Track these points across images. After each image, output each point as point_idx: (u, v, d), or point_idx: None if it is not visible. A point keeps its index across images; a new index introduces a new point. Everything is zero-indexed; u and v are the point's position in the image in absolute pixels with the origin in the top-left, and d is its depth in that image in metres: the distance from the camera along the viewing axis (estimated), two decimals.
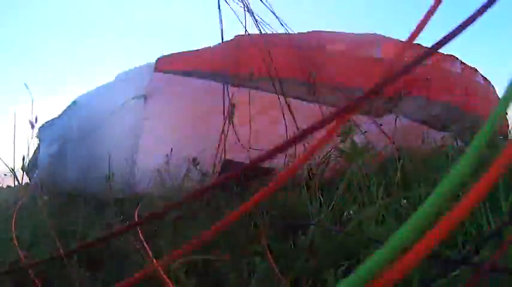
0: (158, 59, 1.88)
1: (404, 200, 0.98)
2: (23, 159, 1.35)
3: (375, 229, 0.77)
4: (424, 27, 0.34)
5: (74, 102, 2.06)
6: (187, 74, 1.85)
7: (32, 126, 1.57)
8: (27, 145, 1.48)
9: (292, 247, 0.88)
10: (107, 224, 1.09)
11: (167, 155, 1.63)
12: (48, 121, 2.10)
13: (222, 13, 1.67)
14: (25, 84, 1.43)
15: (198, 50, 1.94)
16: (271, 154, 0.32)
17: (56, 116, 2.11)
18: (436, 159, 1.43)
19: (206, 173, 1.61)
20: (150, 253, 0.74)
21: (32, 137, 1.53)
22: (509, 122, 2.24)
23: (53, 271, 0.80)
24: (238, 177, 1.29)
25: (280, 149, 0.29)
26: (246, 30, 1.78)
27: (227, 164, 1.68)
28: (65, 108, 2.10)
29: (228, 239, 0.94)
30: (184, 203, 1.28)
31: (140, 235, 0.90)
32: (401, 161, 1.17)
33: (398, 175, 1.08)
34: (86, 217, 1.07)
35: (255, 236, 0.93)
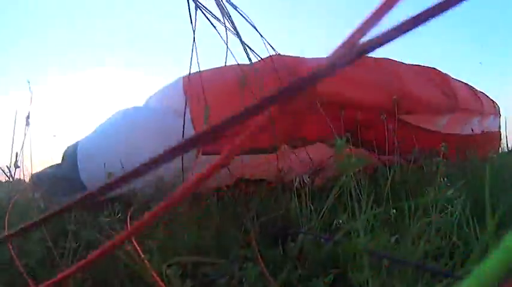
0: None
1: (394, 210, 1.00)
2: (16, 156, 1.35)
3: (364, 239, 0.79)
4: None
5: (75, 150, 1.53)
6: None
7: (27, 123, 1.57)
8: (21, 141, 1.48)
9: (282, 253, 0.90)
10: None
11: None
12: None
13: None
14: (28, 81, 1.43)
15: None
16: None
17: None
18: (426, 168, 1.46)
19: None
20: (140, 253, 0.75)
21: (25, 134, 1.53)
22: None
23: (45, 270, 0.81)
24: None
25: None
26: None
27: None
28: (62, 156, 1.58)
29: (219, 243, 0.95)
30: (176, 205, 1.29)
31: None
32: (391, 171, 1.19)
33: (389, 184, 1.10)
34: (79, 217, 1.07)
35: (245, 241, 0.95)
